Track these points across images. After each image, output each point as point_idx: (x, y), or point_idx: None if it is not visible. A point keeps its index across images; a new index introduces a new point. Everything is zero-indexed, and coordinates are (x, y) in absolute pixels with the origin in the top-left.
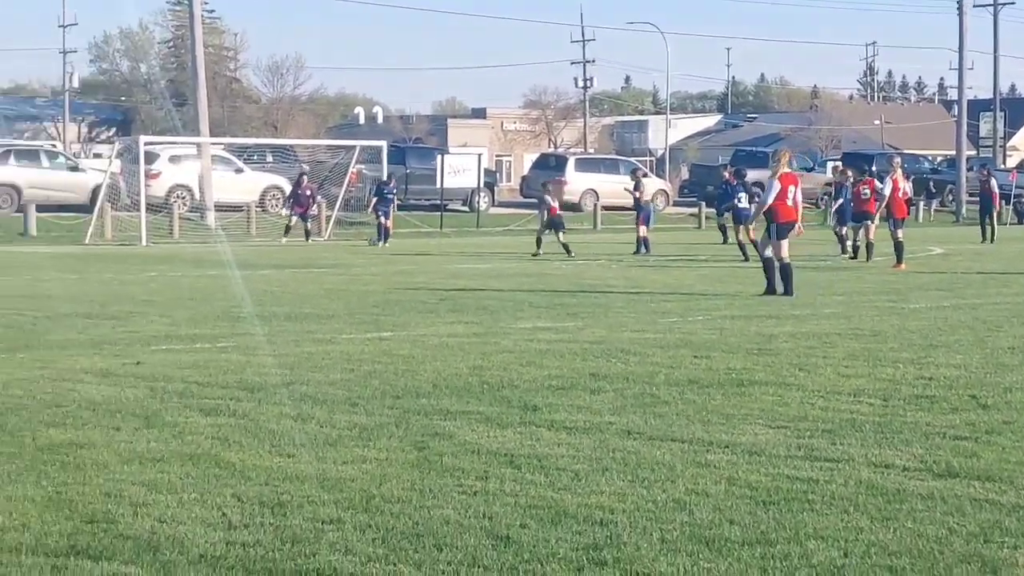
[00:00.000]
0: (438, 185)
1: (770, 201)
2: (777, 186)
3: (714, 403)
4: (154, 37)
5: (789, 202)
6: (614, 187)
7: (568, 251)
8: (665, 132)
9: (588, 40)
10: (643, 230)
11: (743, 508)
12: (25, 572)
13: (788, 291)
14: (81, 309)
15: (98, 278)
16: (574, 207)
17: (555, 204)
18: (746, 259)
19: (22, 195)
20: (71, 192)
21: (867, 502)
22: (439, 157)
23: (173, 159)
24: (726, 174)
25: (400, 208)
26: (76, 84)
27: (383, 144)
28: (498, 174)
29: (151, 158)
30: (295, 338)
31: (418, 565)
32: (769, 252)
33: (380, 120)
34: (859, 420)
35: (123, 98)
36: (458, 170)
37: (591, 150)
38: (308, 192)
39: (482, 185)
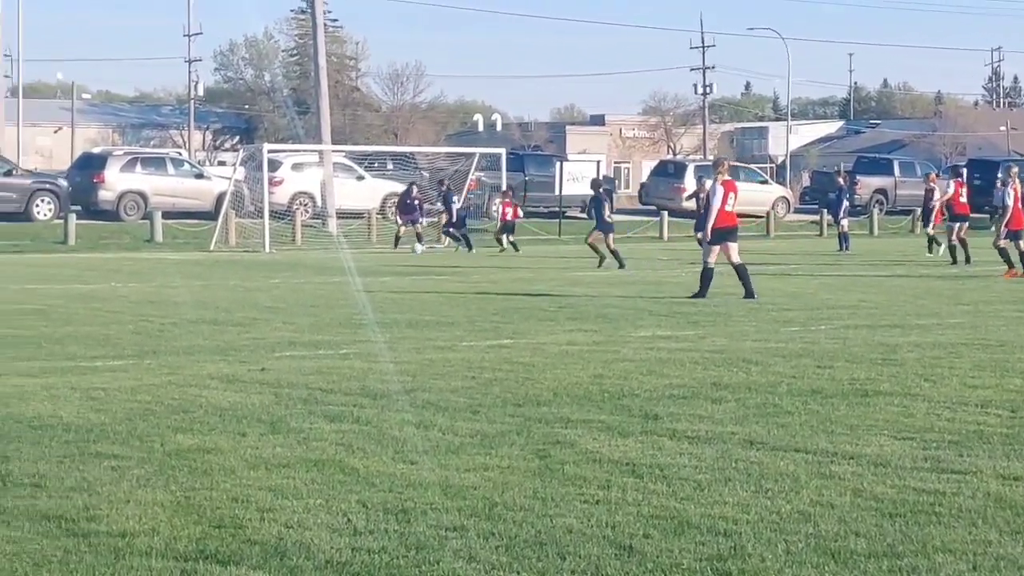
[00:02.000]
0: (557, 192)
1: (718, 206)
2: (721, 191)
3: (838, 414)
4: (278, 46)
5: (728, 207)
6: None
7: (515, 248)
8: (786, 138)
9: (708, 46)
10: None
11: (869, 520)
12: None
13: (749, 294)
14: (207, 315)
15: (223, 284)
16: (692, 214)
17: (507, 211)
18: (622, 267)
19: (148, 202)
20: (196, 199)
21: (995, 515)
22: (558, 164)
23: (296, 167)
24: (840, 180)
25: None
26: (201, 92)
27: (502, 151)
28: (616, 181)
29: (274, 165)
30: (416, 345)
31: (541, 573)
32: (711, 260)
33: (499, 127)
34: (986, 431)
35: (247, 106)
36: (577, 177)
37: (710, 157)
38: (416, 201)
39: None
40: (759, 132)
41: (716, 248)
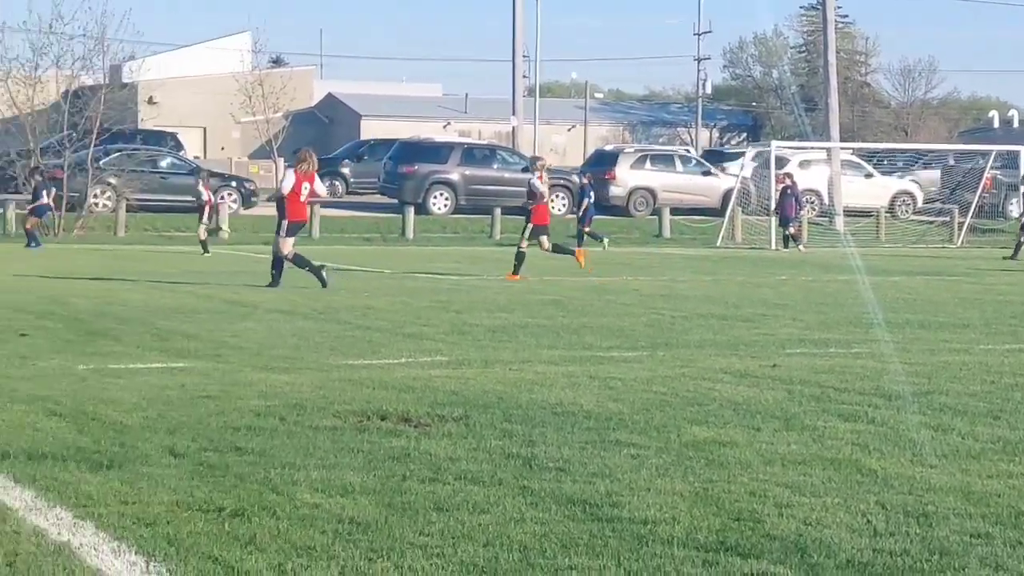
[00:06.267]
0: None
1: (285, 192)
2: (292, 179)
3: None
4: (787, 42)
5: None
6: None
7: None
8: None
9: None
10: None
11: None
12: (677, 564)
13: (275, 283)
14: (715, 310)
15: (730, 280)
16: None
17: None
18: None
19: (657, 198)
20: (703, 196)
21: None
22: None
23: (803, 164)
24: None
25: None
26: (709, 90)
27: (1021, 148)
28: None
29: (781, 163)
30: (929, 347)
31: None
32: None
33: (1016, 124)
34: None
35: (753, 103)
36: None
37: None
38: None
39: None
40: None
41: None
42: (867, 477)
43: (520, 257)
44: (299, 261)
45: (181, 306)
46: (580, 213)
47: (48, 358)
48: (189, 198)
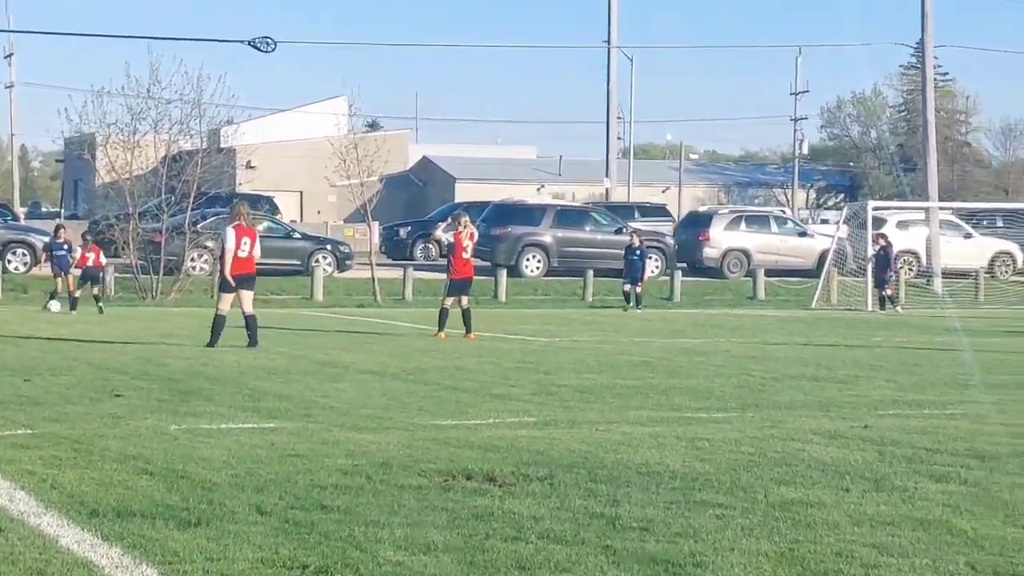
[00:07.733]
0: None
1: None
2: (232, 235)
3: None
4: (885, 101)
5: (242, 254)
6: None
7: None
8: None
9: None
10: None
11: None
12: None
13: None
14: (807, 371)
15: (823, 341)
16: None
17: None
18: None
19: (752, 259)
20: (799, 257)
21: None
22: None
23: (900, 224)
24: (637, 240)
25: None
26: (805, 150)
27: None
28: None
29: (878, 223)
30: None
31: None
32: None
33: None
34: None
35: (851, 163)
36: None
37: None
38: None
39: None
40: None
41: (228, 296)
42: (957, 538)
43: (442, 315)
44: (218, 322)
45: (274, 367)
46: (639, 275)
47: (141, 418)
48: (285, 261)
